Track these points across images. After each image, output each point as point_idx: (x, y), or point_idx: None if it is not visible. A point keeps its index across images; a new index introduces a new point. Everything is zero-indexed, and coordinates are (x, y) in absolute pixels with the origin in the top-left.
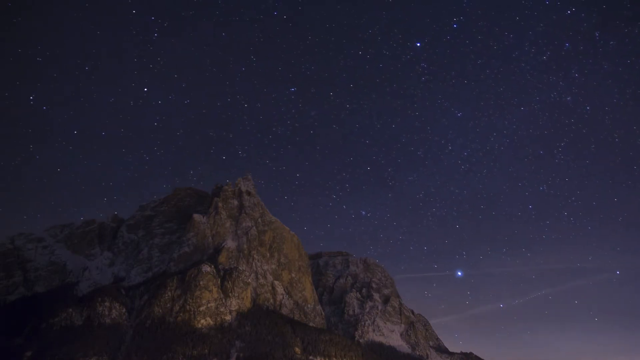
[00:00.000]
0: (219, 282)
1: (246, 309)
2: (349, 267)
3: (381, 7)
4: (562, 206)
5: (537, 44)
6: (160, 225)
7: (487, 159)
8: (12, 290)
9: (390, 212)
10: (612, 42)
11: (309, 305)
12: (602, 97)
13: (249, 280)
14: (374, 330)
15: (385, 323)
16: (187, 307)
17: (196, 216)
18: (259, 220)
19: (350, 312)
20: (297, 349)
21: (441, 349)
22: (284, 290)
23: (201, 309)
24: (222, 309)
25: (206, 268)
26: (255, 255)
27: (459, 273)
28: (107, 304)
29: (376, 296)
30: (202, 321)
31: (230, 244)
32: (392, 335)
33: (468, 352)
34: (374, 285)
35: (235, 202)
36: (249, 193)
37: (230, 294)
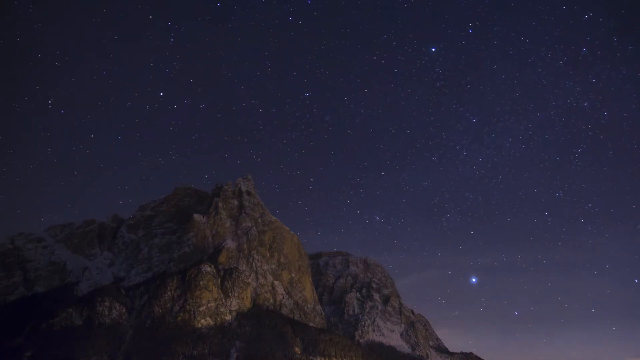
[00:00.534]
0: (219, 282)
1: (246, 309)
2: (349, 267)
3: (396, 12)
4: (578, 213)
5: (554, 49)
6: (160, 225)
7: (502, 164)
8: (12, 290)
9: (404, 217)
10: (630, 47)
11: (309, 305)
12: (620, 102)
13: (249, 280)
14: (374, 330)
15: (385, 323)
16: (187, 307)
17: (196, 216)
18: (259, 220)
19: (350, 312)
20: (297, 349)
21: (441, 349)
22: (284, 290)
23: (201, 309)
24: (222, 309)
25: (206, 268)
26: (255, 255)
27: (474, 279)
28: (107, 304)
29: (376, 296)
30: (202, 321)
31: (230, 244)
32: (392, 335)
33: (468, 352)
34: (374, 285)
35: (235, 202)
36: (249, 193)
37: (230, 294)
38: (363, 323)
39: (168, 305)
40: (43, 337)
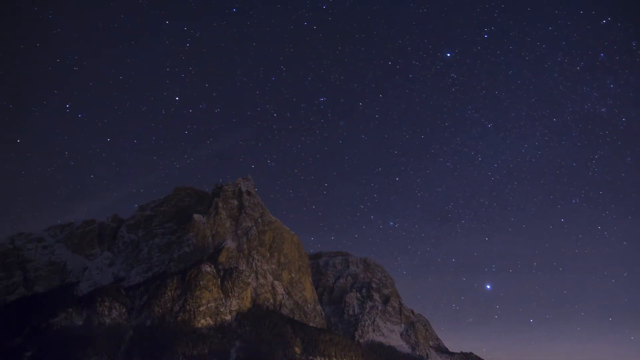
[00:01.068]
0: (219, 282)
1: (246, 309)
2: (349, 267)
3: (411, 18)
4: (595, 220)
5: (571, 54)
6: (160, 225)
7: (517, 170)
8: (12, 290)
9: (418, 223)
10: None
11: (309, 305)
12: (638, 108)
13: (249, 280)
14: (373, 330)
15: (385, 323)
16: (187, 307)
17: (196, 216)
18: (259, 220)
19: (350, 312)
20: (297, 349)
21: (441, 349)
22: (284, 290)
23: (201, 309)
24: (222, 309)
25: (206, 268)
26: (255, 255)
27: (488, 286)
28: (107, 304)
29: (376, 296)
30: (202, 321)
31: (230, 244)
32: (392, 335)
33: (468, 352)
34: (374, 285)
35: (235, 202)
36: (249, 193)
37: (230, 294)
38: (363, 323)
39: (168, 305)
40: (43, 337)
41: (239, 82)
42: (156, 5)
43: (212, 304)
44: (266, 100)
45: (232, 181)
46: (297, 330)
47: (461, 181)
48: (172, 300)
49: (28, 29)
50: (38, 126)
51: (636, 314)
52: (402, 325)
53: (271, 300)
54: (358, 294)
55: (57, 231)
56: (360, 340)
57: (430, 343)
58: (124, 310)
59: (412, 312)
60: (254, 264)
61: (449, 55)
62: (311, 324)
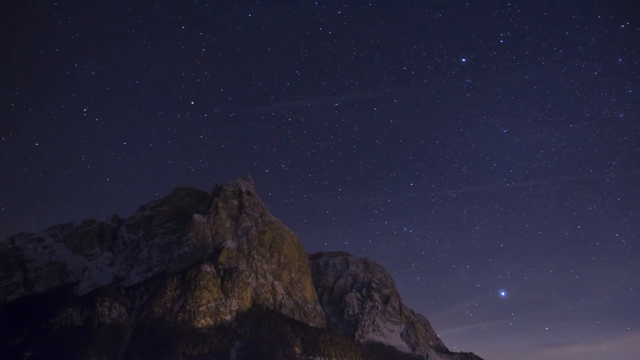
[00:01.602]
0: (219, 282)
1: (246, 309)
2: (349, 267)
3: (426, 23)
4: (613, 227)
5: (588, 59)
6: (160, 225)
7: (533, 176)
8: (12, 290)
9: (432, 228)
10: None
11: (309, 305)
12: None
13: (249, 280)
14: (373, 330)
15: (385, 323)
16: (187, 307)
17: (196, 216)
18: (259, 220)
19: (350, 312)
20: (297, 349)
21: (441, 349)
22: (284, 290)
23: (201, 309)
24: (222, 309)
25: (206, 268)
26: (255, 255)
27: (503, 293)
28: (107, 304)
29: (376, 296)
30: (202, 321)
31: (230, 244)
32: (392, 335)
33: (468, 352)
34: (374, 285)
35: (235, 202)
36: (249, 193)
37: (230, 294)
38: (363, 323)
39: (168, 305)
40: (43, 337)
41: (253, 86)
42: (172, 10)
43: (212, 304)
44: (281, 104)
45: (232, 182)
46: (297, 330)
47: (476, 187)
48: (172, 300)
49: (48, 34)
50: (56, 130)
51: None
52: (402, 325)
53: (271, 300)
54: (358, 294)
55: (57, 231)
56: (360, 340)
57: (430, 343)
58: (124, 310)
59: (412, 312)
60: (254, 264)
61: (464, 60)
62: (311, 324)
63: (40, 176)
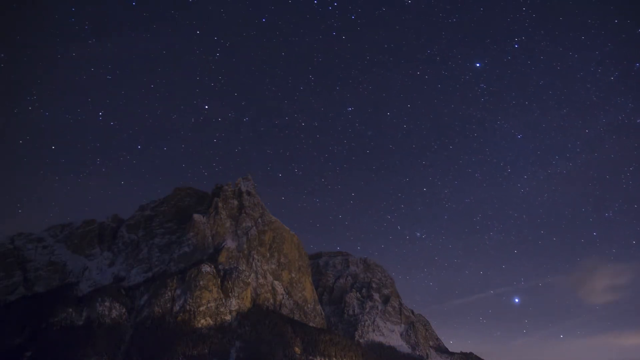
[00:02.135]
0: (219, 282)
1: (246, 309)
2: (349, 267)
3: (440, 27)
4: (629, 234)
5: (604, 64)
6: (160, 225)
7: (548, 182)
8: (12, 290)
9: (445, 234)
10: None
11: (309, 305)
12: None
13: (249, 280)
14: (373, 330)
15: (385, 323)
16: (187, 307)
17: (196, 216)
18: (259, 220)
19: (350, 312)
20: (297, 349)
21: (441, 349)
22: (284, 290)
23: (201, 309)
24: (222, 309)
25: (206, 268)
26: (255, 255)
27: (516, 300)
28: (107, 304)
29: (376, 296)
30: (202, 321)
31: (230, 244)
32: (392, 335)
33: (468, 352)
34: (374, 285)
35: (235, 202)
36: (249, 193)
37: (230, 294)
38: (363, 323)
39: (168, 305)
40: (43, 337)
41: (267, 91)
42: (187, 15)
43: (212, 304)
44: (294, 109)
45: (233, 183)
46: (297, 330)
47: (490, 192)
48: (172, 300)
49: (65, 39)
50: (72, 133)
51: None
52: (402, 325)
53: (271, 300)
54: (358, 294)
55: (57, 231)
56: (360, 340)
57: (430, 343)
58: (124, 310)
59: (412, 312)
60: (254, 264)
61: (478, 65)
62: (311, 324)
63: (57, 179)
